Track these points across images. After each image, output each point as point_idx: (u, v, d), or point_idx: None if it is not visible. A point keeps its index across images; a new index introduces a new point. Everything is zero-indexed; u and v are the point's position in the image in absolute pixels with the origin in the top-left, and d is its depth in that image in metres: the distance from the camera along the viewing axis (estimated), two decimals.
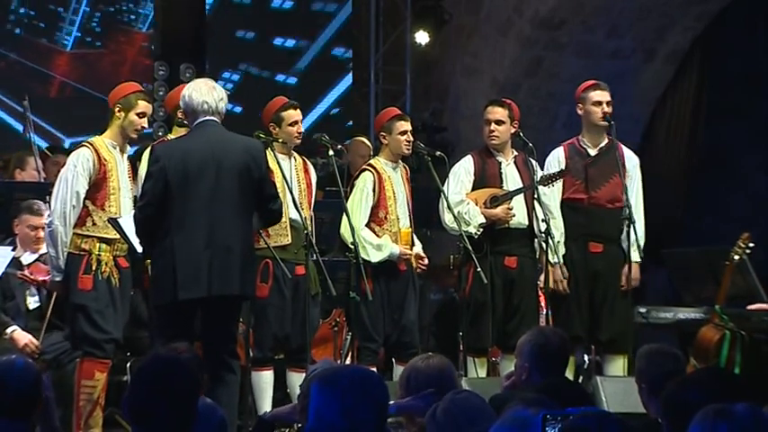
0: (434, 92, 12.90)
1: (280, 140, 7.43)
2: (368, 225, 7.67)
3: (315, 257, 7.13)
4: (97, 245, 6.80)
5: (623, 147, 7.97)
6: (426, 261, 7.89)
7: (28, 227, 7.52)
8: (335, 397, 3.44)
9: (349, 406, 3.43)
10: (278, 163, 7.27)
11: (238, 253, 6.32)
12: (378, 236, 7.64)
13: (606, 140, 7.89)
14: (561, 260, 7.74)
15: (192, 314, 6.35)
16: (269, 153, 7.29)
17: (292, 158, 7.58)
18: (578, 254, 7.78)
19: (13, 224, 7.63)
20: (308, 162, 7.69)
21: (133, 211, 6.75)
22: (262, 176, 6.44)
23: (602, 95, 7.81)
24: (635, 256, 7.76)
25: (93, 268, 6.77)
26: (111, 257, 6.83)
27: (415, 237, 7.90)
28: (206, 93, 6.35)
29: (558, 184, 7.84)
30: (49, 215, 6.95)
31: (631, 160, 7.94)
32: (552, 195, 7.85)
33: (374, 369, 7.61)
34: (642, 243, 7.76)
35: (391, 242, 7.65)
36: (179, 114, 7.18)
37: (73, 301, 6.81)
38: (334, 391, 3.45)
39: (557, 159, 7.89)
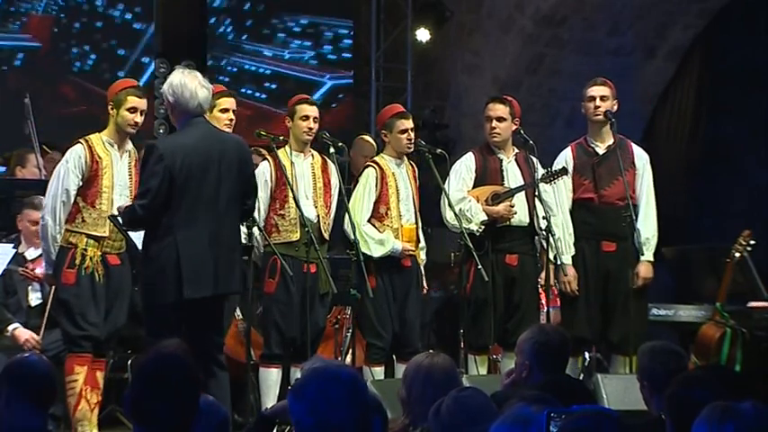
0: (435, 89, 12.89)
1: (281, 137, 7.45)
2: (369, 221, 7.67)
3: (317, 255, 7.16)
4: (84, 240, 6.82)
5: (633, 144, 7.90)
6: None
7: (29, 222, 7.56)
8: (306, 409, 3.42)
9: (321, 412, 3.40)
10: (291, 161, 7.34)
11: (239, 250, 6.37)
12: (379, 232, 7.65)
13: (614, 139, 7.81)
14: (570, 261, 7.69)
15: (186, 312, 6.20)
16: (283, 150, 7.32)
17: (309, 156, 7.59)
18: (591, 253, 7.69)
19: (17, 220, 7.66)
20: (329, 161, 7.66)
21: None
22: (251, 172, 6.48)
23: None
24: (646, 255, 7.65)
25: (77, 263, 6.79)
26: (99, 254, 6.83)
27: (421, 235, 7.88)
28: (197, 88, 6.25)
29: (569, 184, 7.78)
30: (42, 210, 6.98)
31: (641, 158, 7.84)
32: (559, 193, 7.79)
33: (382, 368, 7.64)
34: (654, 241, 7.67)
35: (393, 238, 7.65)
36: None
37: (57, 295, 6.90)
38: (303, 402, 3.43)
39: (564, 159, 7.84)
